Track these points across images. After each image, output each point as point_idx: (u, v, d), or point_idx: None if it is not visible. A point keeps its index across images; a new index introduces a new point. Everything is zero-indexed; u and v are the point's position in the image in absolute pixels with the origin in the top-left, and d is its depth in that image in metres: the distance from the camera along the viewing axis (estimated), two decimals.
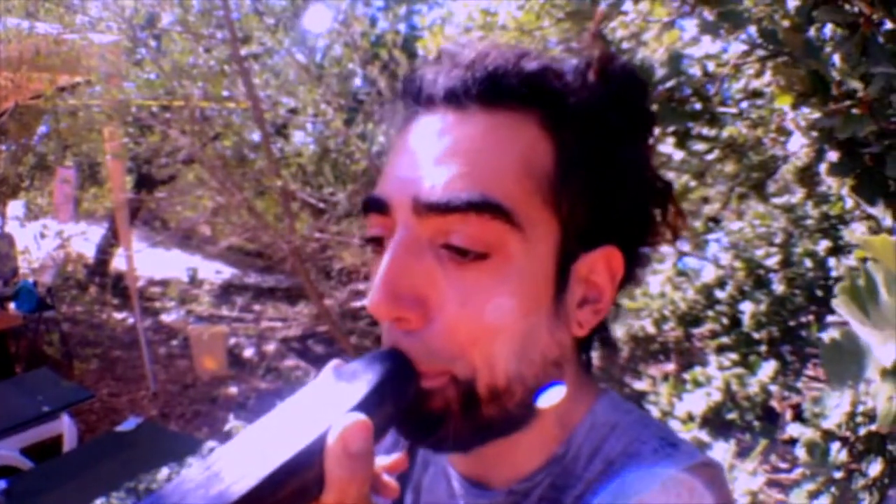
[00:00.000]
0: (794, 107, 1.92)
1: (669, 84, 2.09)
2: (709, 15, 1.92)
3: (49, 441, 5.39)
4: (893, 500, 2.72)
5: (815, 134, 1.92)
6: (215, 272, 13.89)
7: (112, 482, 4.27)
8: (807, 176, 3.66)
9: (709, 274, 6.12)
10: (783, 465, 5.10)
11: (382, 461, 0.90)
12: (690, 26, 3.01)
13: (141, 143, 7.04)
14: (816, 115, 1.93)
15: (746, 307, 5.66)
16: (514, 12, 3.37)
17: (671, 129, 2.14)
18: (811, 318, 5.69)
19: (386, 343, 0.84)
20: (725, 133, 3.00)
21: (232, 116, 7.16)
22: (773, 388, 4.46)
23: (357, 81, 6.54)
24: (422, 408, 0.81)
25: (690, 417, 4.16)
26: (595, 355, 1.01)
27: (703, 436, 3.80)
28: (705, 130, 2.43)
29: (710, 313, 6.09)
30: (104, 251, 11.59)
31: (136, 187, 11.52)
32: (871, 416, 2.85)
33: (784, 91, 1.83)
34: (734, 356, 5.22)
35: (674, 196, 0.96)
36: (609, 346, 1.00)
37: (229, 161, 7.02)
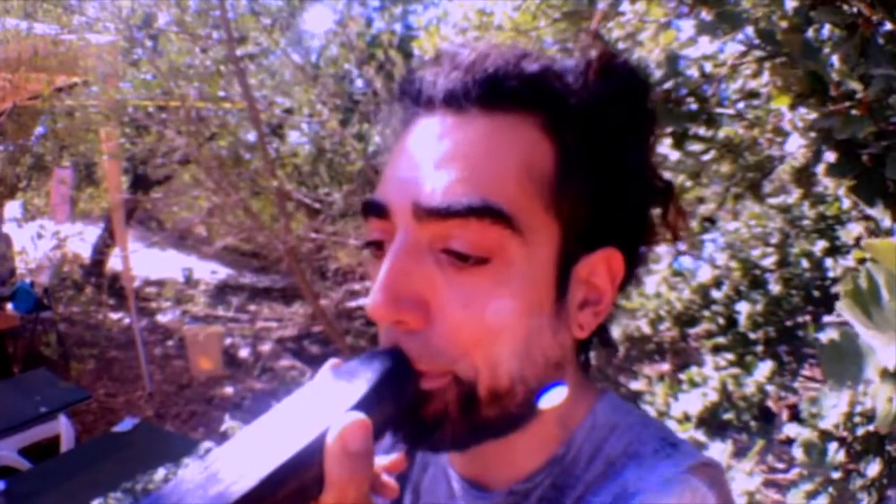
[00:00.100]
0: (792, 107, 1.92)
1: (667, 85, 2.09)
2: (707, 16, 1.92)
3: (46, 441, 5.40)
4: (892, 500, 2.73)
5: (813, 134, 1.92)
6: (211, 272, 13.89)
7: (109, 483, 4.28)
8: (803, 176, 3.66)
9: (705, 274, 6.13)
10: (780, 465, 5.10)
11: (381, 461, 0.90)
12: (687, 27, 3.01)
13: (137, 144, 7.04)
14: (813, 115, 1.94)
15: (743, 307, 5.66)
16: (510, 12, 3.37)
17: (669, 130, 2.15)
18: (808, 318, 5.70)
19: (384, 344, 0.83)
20: (722, 133, 3.00)
21: (228, 117, 7.16)
22: (770, 389, 4.47)
23: (358, 83, 6.53)
24: (419, 412, 0.81)
25: (686, 417, 4.17)
26: (591, 355, 1.01)
27: (700, 436, 3.80)
28: (702, 131, 2.43)
29: (706, 313, 6.10)
30: (100, 251, 11.57)
31: (133, 187, 11.50)
32: (868, 417, 2.86)
33: (782, 92, 1.83)
34: (730, 356, 5.22)
35: (675, 196, 0.95)
36: (608, 347, 0.99)
37: (225, 161, 7.01)
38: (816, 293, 5.70)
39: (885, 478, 2.71)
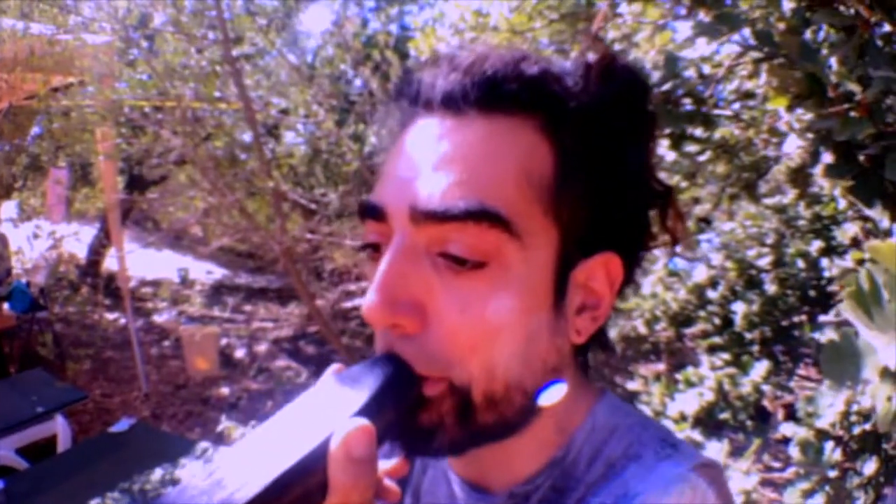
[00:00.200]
0: (790, 109, 1.92)
1: (666, 86, 2.10)
2: (705, 17, 1.92)
3: (43, 441, 5.40)
4: (889, 498, 2.73)
5: (810, 136, 1.92)
6: (206, 273, 13.88)
7: (107, 483, 4.29)
8: (799, 177, 3.67)
9: (700, 274, 6.13)
10: (776, 465, 5.11)
11: (383, 465, 0.89)
12: (683, 28, 3.01)
13: (133, 144, 7.03)
14: (809, 115, 1.94)
15: (738, 307, 5.66)
16: (506, 14, 3.38)
17: (667, 131, 2.15)
18: (804, 318, 5.70)
19: (380, 348, 0.83)
20: (717, 134, 3.00)
21: (223, 117, 7.15)
22: (766, 388, 4.47)
23: (357, 83, 6.53)
24: (415, 420, 0.80)
25: (683, 417, 4.17)
26: (588, 357, 1.00)
27: (696, 435, 3.80)
28: (698, 132, 2.44)
29: (702, 313, 6.10)
30: (96, 252, 11.56)
31: (128, 188, 11.49)
32: (865, 416, 2.86)
33: (779, 93, 1.83)
34: (726, 356, 5.22)
35: (674, 199, 0.95)
36: (607, 350, 0.99)
37: (221, 162, 7.01)
38: (812, 293, 5.70)
39: (881, 476, 2.72)
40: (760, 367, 4.42)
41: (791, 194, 5.70)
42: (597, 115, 0.84)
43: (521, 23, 3.28)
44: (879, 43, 1.64)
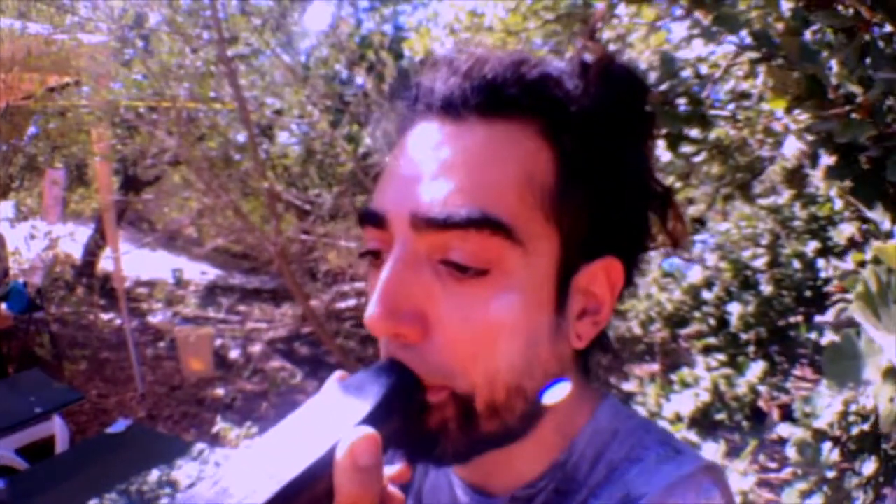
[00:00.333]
0: (788, 110, 1.92)
1: (663, 87, 2.10)
2: (704, 19, 1.92)
3: (41, 442, 5.42)
4: (889, 498, 2.74)
5: (810, 137, 1.92)
6: (200, 273, 13.87)
7: (104, 484, 4.30)
8: (795, 177, 3.67)
9: (695, 275, 6.14)
10: (772, 465, 5.12)
11: (386, 471, 0.88)
12: (678, 28, 3.01)
13: (128, 144, 7.02)
14: (805, 115, 1.94)
15: (734, 308, 5.67)
16: (500, 14, 3.37)
17: (664, 131, 2.15)
18: (800, 318, 5.71)
19: (383, 355, 0.82)
20: (713, 135, 3.00)
21: (217, 117, 7.14)
22: (762, 389, 4.48)
23: (357, 80, 6.52)
24: (419, 426, 0.80)
25: (678, 418, 4.18)
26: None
27: (692, 436, 3.81)
28: (694, 132, 2.43)
29: (697, 314, 6.11)
30: (91, 252, 11.55)
31: (123, 188, 11.49)
32: (863, 416, 2.87)
33: (778, 94, 1.83)
34: (722, 357, 5.23)
35: (674, 202, 0.94)
36: (609, 353, 0.99)
37: (215, 162, 7.00)
38: (808, 294, 5.71)
39: (881, 476, 2.72)
40: (756, 368, 4.43)
41: (786, 195, 5.71)
42: (597, 119, 0.83)
43: (516, 23, 3.27)
44: (881, 44, 1.64)
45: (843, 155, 1.81)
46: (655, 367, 6.93)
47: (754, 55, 1.96)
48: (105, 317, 10.51)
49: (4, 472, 4.75)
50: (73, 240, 9.69)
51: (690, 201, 5.48)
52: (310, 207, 7.86)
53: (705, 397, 4.24)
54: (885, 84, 1.53)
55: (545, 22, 3.21)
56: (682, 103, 2.20)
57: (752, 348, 5.55)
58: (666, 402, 4.32)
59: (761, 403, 4.80)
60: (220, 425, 5.78)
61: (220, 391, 8.47)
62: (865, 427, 2.86)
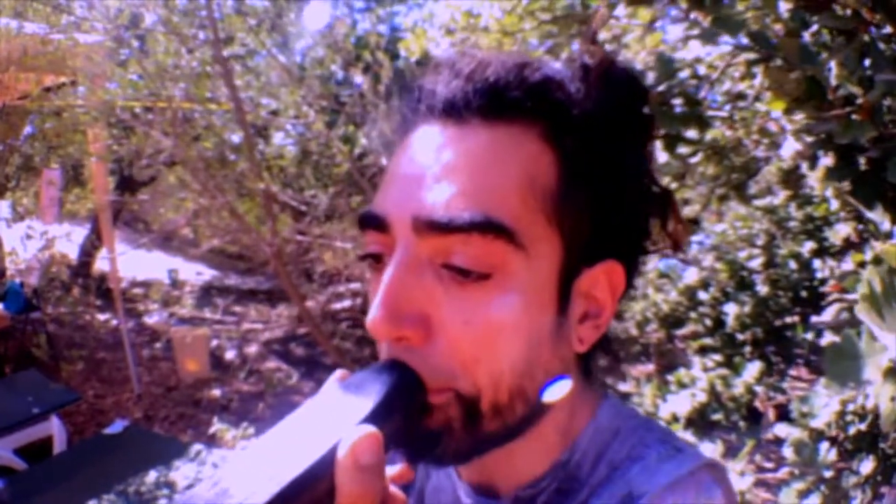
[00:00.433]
0: (787, 111, 1.92)
1: (661, 88, 2.09)
2: (702, 20, 1.92)
3: (39, 442, 5.42)
4: (887, 497, 2.74)
5: (808, 138, 1.92)
6: (196, 274, 13.85)
7: (102, 484, 4.31)
8: (791, 178, 3.67)
9: (691, 276, 6.15)
10: (768, 465, 5.12)
11: (388, 471, 0.88)
12: (673, 29, 3.02)
13: (124, 145, 7.02)
14: (801, 116, 1.94)
15: (730, 308, 5.68)
16: (496, 14, 3.37)
17: (662, 132, 2.14)
18: (796, 318, 5.71)
19: (384, 358, 0.82)
20: (709, 135, 3.00)
21: (213, 118, 7.14)
22: (759, 389, 4.48)
23: (357, 80, 6.51)
24: (422, 425, 0.79)
25: (675, 419, 4.18)
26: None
27: (689, 437, 3.81)
28: (690, 133, 2.43)
29: (693, 315, 6.11)
30: (87, 252, 11.54)
31: (119, 189, 11.47)
32: (861, 416, 2.87)
33: (776, 95, 1.83)
34: (718, 357, 5.24)
35: (675, 205, 0.94)
36: (611, 356, 0.99)
37: (211, 163, 7.00)
38: (804, 294, 5.72)
39: (879, 475, 2.72)
40: (753, 368, 4.43)
41: (781, 195, 5.71)
42: (599, 122, 0.83)
43: (512, 24, 3.27)
44: (881, 45, 1.64)
45: (841, 156, 1.81)
46: (650, 367, 6.94)
47: (752, 56, 1.96)
48: (101, 317, 10.49)
49: (3, 473, 4.76)
50: (69, 240, 9.68)
51: (686, 202, 5.48)
52: (305, 208, 7.86)
53: (702, 398, 4.24)
54: (885, 85, 1.53)
55: (541, 23, 3.21)
56: (678, 104, 2.20)
57: (748, 348, 5.56)
58: (662, 402, 4.32)
59: (758, 404, 4.81)
60: (216, 426, 5.78)
61: (216, 392, 8.46)
62: (863, 426, 2.86)
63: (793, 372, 6.37)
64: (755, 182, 5.42)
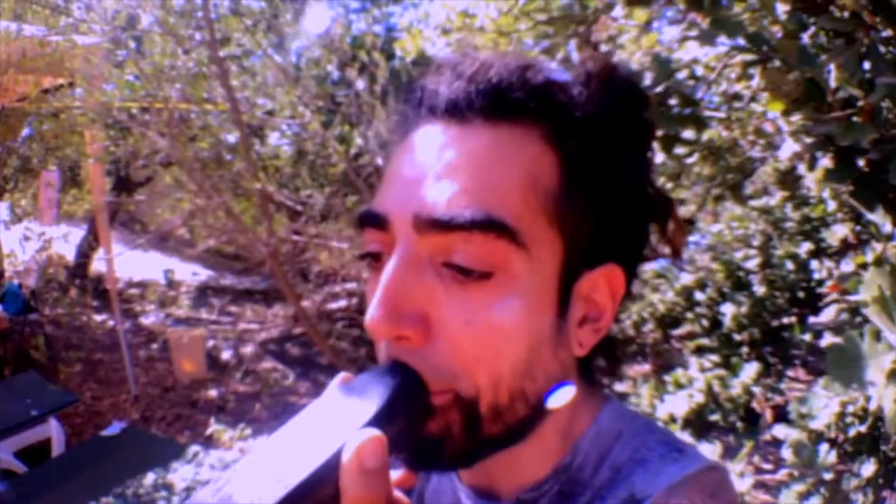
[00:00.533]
0: (785, 113, 1.92)
1: (658, 88, 2.09)
2: (702, 22, 1.92)
3: (38, 445, 5.43)
4: (888, 501, 2.74)
5: (807, 140, 1.92)
6: (192, 274, 13.84)
7: (101, 486, 4.31)
8: (788, 179, 3.68)
9: (688, 276, 6.15)
10: (766, 466, 5.12)
11: (392, 476, 0.88)
12: (669, 30, 3.02)
13: (120, 146, 7.01)
14: (798, 117, 1.94)
15: (727, 309, 5.68)
16: (492, 14, 3.37)
17: (660, 133, 2.14)
18: (793, 319, 5.71)
19: (383, 358, 0.81)
20: (705, 136, 3.00)
21: (209, 118, 7.13)
22: (756, 390, 4.48)
23: (354, 80, 6.51)
24: (423, 430, 0.79)
25: (672, 419, 4.18)
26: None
27: (686, 437, 3.81)
28: (687, 134, 2.43)
29: (690, 315, 6.11)
30: (84, 253, 11.52)
31: (115, 189, 11.46)
32: (861, 417, 2.87)
33: (774, 97, 1.83)
34: (715, 358, 5.24)
35: (675, 210, 0.94)
36: (613, 360, 0.98)
37: (207, 163, 6.99)
38: (801, 295, 5.72)
39: (880, 478, 2.72)
40: (750, 369, 4.43)
41: (778, 196, 5.72)
42: (600, 125, 0.83)
43: (508, 24, 3.27)
44: (881, 48, 1.64)
45: (841, 158, 1.81)
46: (646, 367, 6.94)
47: (749, 57, 1.96)
48: (98, 318, 10.48)
49: (3, 476, 4.76)
50: (66, 241, 9.68)
51: (681, 202, 5.48)
52: (301, 208, 7.85)
53: (699, 398, 4.24)
54: (886, 88, 1.53)
55: (537, 23, 3.21)
56: (675, 104, 2.20)
57: (745, 349, 5.56)
58: (660, 402, 4.32)
59: (755, 405, 4.81)
60: (213, 427, 5.78)
61: (212, 392, 8.46)
62: (863, 428, 2.86)
63: (790, 373, 6.37)
64: (751, 182, 5.43)
